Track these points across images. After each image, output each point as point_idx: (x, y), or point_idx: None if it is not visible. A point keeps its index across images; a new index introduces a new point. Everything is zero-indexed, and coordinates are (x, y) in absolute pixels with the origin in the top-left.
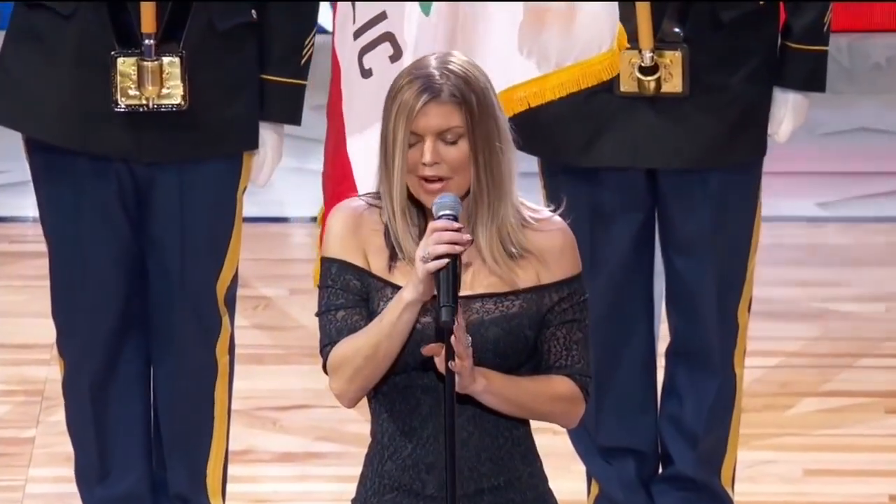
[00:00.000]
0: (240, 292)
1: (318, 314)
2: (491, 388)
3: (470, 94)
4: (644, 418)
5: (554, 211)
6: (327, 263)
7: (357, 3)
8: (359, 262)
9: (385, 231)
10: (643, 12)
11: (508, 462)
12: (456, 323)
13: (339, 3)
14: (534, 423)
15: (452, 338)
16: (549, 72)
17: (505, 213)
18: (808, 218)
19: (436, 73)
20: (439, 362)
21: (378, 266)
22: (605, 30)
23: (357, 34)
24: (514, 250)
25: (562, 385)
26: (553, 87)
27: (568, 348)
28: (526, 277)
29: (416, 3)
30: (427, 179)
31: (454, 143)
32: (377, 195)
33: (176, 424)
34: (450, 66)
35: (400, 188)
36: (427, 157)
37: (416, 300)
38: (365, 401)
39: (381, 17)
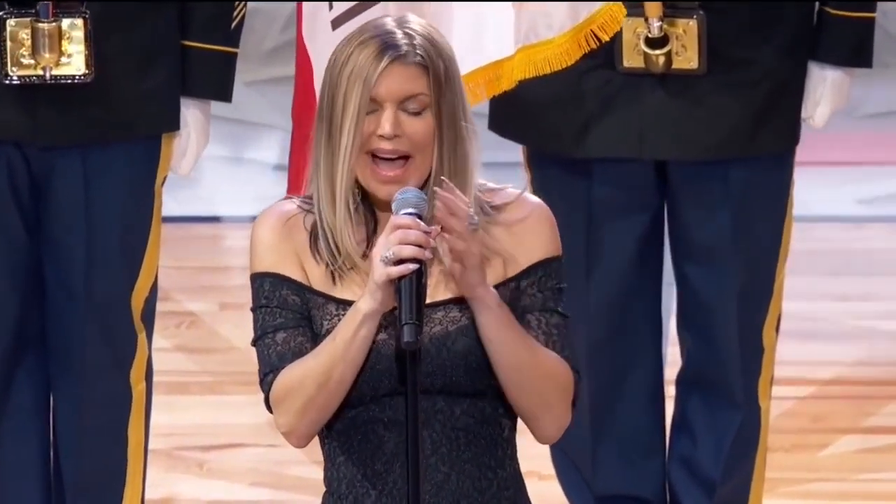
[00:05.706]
0: (160, 307)
1: (253, 342)
2: (499, 307)
3: (437, 59)
4: (650, 460)
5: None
6: (259, 280)
7: None
8: (295, 276)
9: (312, 235)
10: None
11: None
12: (444, 192)
13: None
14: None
15: (446, 213)
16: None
17: None
18: (847, 218)
19: (398, 31)
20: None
21: (319, 280)
22: (561, 6)
23: (337, 23)
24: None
25: (556, 361)
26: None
27: (547, 333)
28: (493, 274)
29: None
30: (381, 157)
31: (418, 113)
32: (311, 199)
33: (81, 467)
34: (411, 26)
35: (348, 171)
36: (387, 128)
37: (375, 310)
38: (315, 439)
39: (369, 2)
